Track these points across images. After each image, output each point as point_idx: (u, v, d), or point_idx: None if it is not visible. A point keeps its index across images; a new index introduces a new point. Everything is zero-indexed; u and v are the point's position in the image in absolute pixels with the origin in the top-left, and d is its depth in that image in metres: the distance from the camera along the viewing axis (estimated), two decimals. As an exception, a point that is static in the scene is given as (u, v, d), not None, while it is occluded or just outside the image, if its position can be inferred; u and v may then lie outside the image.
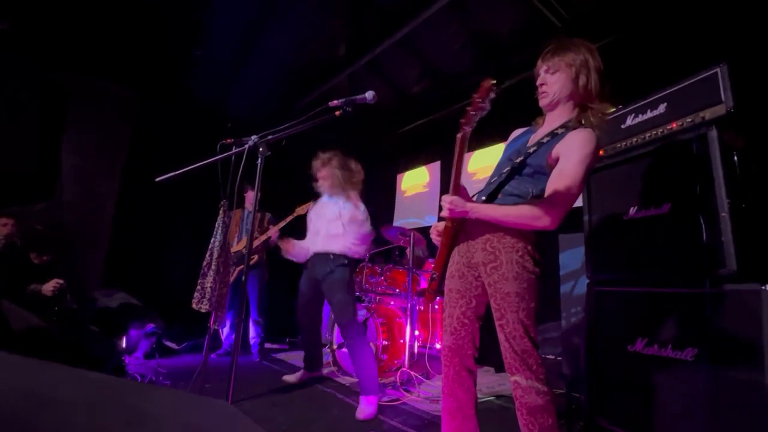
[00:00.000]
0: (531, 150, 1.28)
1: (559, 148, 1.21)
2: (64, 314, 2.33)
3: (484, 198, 1.35)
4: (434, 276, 1.40)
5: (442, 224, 1.40)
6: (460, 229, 1.36)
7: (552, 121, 1.33)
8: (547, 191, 1.20)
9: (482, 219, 1.23)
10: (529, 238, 1.25)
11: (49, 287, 2.33)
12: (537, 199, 1.24)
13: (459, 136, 1.19)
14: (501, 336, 1.23)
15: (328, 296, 2.38)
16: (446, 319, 1.39)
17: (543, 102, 1.33)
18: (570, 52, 1.27)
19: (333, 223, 2.40)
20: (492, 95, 1.09)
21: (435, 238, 1.43)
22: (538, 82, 1.34)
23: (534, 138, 1.35)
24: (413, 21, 3.21)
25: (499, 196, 1.31)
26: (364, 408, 2.07)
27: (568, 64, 1.26)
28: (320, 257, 2.39)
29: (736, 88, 1.44)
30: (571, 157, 1.17)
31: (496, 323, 1.25)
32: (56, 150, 3.54)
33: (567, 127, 1.25)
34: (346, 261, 2.36)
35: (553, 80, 1.29)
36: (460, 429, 1.32)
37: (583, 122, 1.25)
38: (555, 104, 1.31)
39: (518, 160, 1.29)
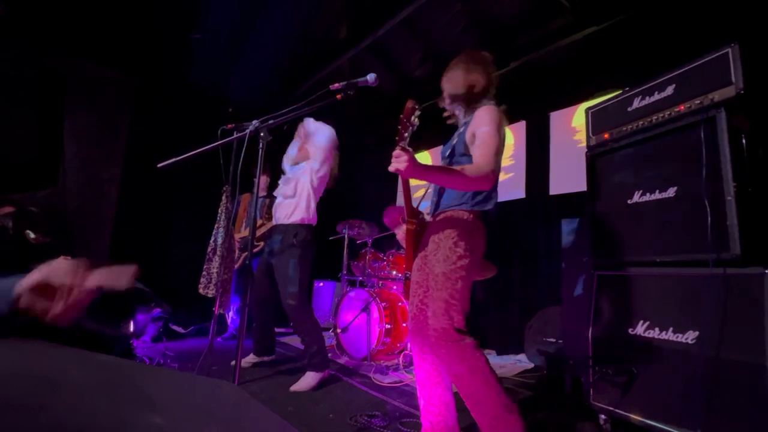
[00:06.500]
0: (454, 141, 1.53)
1: (472, 128, 1.44)
2: None
3: (435, 200, 1.56)
4: (407, 275, 1.61)
5: (405, 228, 1.59)
6: (422, 230, 1.57)
7: (462, 116, 1.58)
8: (474, 160, 1.38)
9: (422, 176, 1.29)
10: (465, 226, 1.40)
11: None
12: None
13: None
14: (428, 313, 1.37)
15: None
16: (408, 307, 1.57)
17: (445, 106, 1.62)
18: (452, 69, 1.55)
19: None
20: (416, 113, 1.28)
21: (401, 240, 1.62)
22: (444, 112, 1.64)
23: (455, 133, 1.58)
24: (415, 2, 3.13)
25: (447, 188, 1.51)
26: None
27: (451, 80, 1.54)
28: None
29: (746, 69, 1.40)
30: (483, 130, 1.39)
31: (428, 301, 1.40)
32: (58, 137, 3.53)
33: (472, 111, 1.49)
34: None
35: (446, 93, 1.58)
36: (429, 395, 1.47)
37: (482, 103, 1.48)
38: (455, 107, 1.59)
39: (448, 153, 1.54)
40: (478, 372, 1.28)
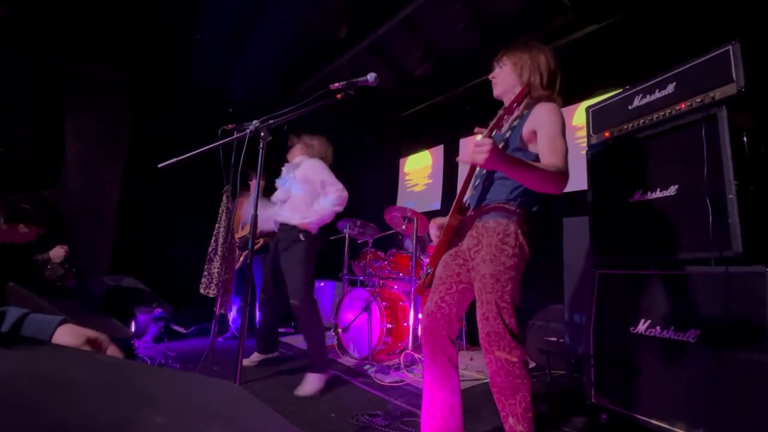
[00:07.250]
0: (507, 135, 1.40)
1: (531, 125, 1.33)
2: (65, 292, 2.34)
3: (477, 194, 1.44)
4: (428, 271, 1.50)
5: (442, 219, 1.47)
6: (461, 228, 1.44)
7: (517, 106, 1.44)
8: (551, 162, 1.24)
9: (503, 167, 1.17)
10: (513, 219, 1.30)
11: (59, 252, 2.33)
12: None
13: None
14: (478, 316, 1.29)
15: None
16: (426, 303, 1.47)
17: (495, 91, 1.51)
18: (517, 51, 1.46)
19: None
20: None
21: (434, 232, 1.50)
22: (490, 76, 1.52)
23: (505, 126, 1.46)
24: (415, 0, 3.12)
25: (494, 182, 1.40)
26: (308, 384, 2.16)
27: (513, 62, 1.45)
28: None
29: (747, 66, 1.40)
30: (550, 129, 1.28)
31: (477, 304, 1.31)
32: (59, 138, 3.53)
33: (529, 107, 1.39)
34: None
35: (500, 73, 1.49)
36: (433, 397, 1.41)
37: (544, 98, 1.39)
38: (504, 93, 1.48)
39: (500, 146, 1.37)
40: (520, 392, 1.23)
